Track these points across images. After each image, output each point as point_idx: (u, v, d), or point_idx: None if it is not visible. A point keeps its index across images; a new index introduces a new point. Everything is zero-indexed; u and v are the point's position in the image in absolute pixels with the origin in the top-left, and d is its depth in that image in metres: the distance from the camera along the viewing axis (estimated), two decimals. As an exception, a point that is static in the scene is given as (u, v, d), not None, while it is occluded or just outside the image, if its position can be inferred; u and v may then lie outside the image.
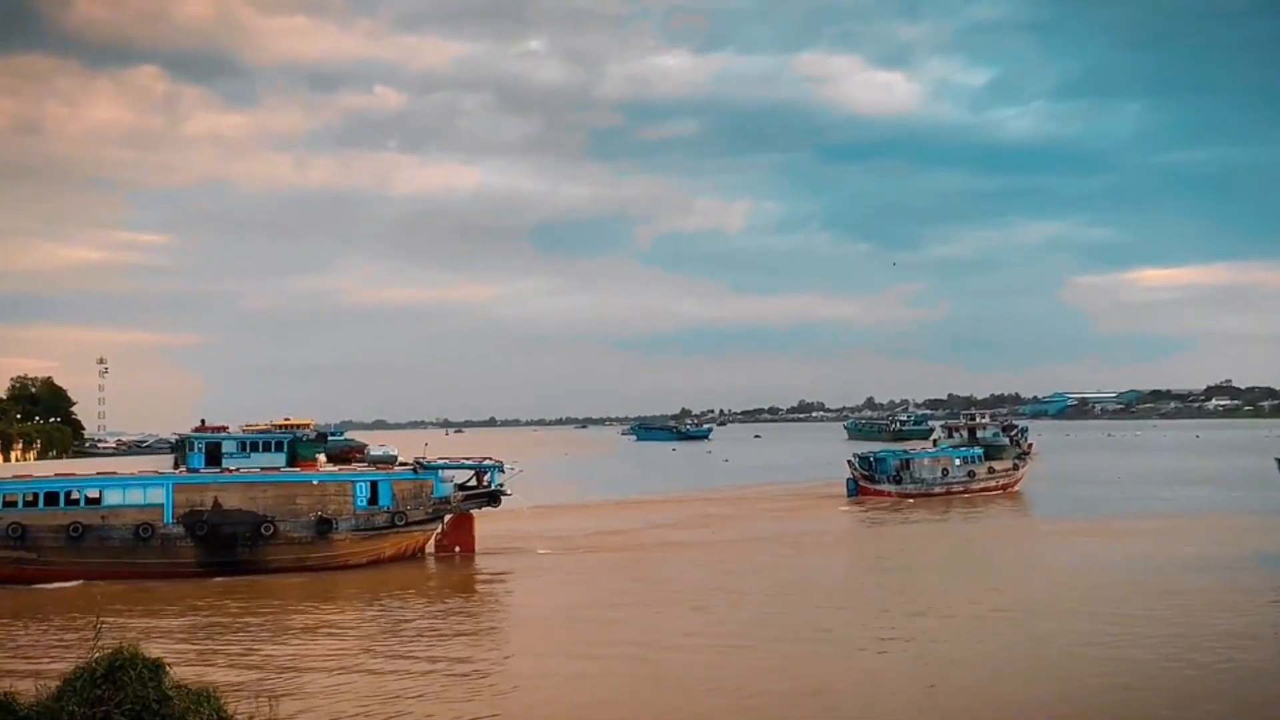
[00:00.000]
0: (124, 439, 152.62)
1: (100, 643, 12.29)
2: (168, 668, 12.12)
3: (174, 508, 35.73)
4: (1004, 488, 64.14)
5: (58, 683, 12.06)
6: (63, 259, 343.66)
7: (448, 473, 40.72)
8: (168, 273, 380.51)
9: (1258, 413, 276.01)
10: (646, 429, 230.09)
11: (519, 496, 42.45)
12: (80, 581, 33.32)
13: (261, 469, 39.07)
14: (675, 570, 36.50)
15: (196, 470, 39.57)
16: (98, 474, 39.92)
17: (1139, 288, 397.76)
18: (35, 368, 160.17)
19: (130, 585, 32.69)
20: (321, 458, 42.12)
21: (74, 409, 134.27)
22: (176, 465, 40.20)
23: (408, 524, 38.25)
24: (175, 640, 24.96)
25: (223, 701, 12.23)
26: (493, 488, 40.65)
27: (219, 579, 34.40)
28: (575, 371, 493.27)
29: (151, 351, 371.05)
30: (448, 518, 40.11)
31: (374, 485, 38.37)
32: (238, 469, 39.11)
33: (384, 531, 37.70)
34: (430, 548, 39.88)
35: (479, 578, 36.42)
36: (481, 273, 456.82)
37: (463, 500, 40.11)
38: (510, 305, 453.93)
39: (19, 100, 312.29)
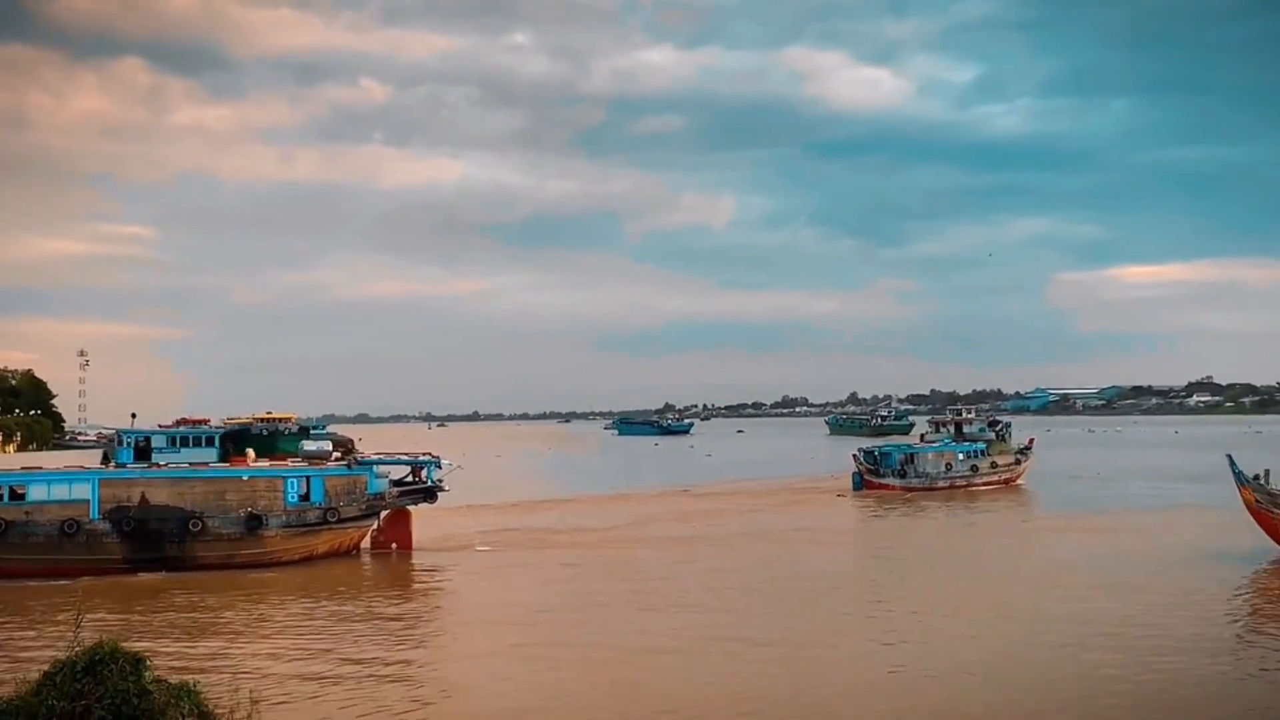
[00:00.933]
0: (104, 432, 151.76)
1: (80, 637, 12.34)
2: (148, 662, 12.16)
3: (100, 503, 35.03)
4: (1006, 482, 64.92)
5: (37, 677, 12.11)
6: (45, 251, 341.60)
7: (384, 468, 40.17)
8: (151, 266, 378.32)
9: (1239, 409, 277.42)
10: (628, 424, 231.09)
11: (456, 493, 41.85)
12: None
13: (190, 464, 38.24)
14: (630, 567, 36.11)
15: (124, 465, 38.39)
16: (22, 469, 38.93)
17: (1122, 285, 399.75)
18: (16, 360, 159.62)
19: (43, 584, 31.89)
20: (251, 453, 41.35)
21: (54, 401, 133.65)
22: (106, 461, 39.35)
23: (340, 520, 37.65)
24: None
25: (203, 696, 12.26)
26: (430, 484, 40.06)
27: (144, 575, 33.74)
28: (560, 366, 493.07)
29: (134, 345, 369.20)
30: (384, 514, 39.51)
31: (306, 481, 37.78)
32: (167, 464, 38.18)
33: (316, 528, 37.14)
34: (366, 544, 39.32)
35: (413, 576, 35.94)
36: (466, 267, 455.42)
37: (398, 496, 39.53)
38: (495, 300, 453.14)
39: (2, 91, 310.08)
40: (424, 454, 42.72)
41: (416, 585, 34.54)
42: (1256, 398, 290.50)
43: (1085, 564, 34.93)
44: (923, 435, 70.47)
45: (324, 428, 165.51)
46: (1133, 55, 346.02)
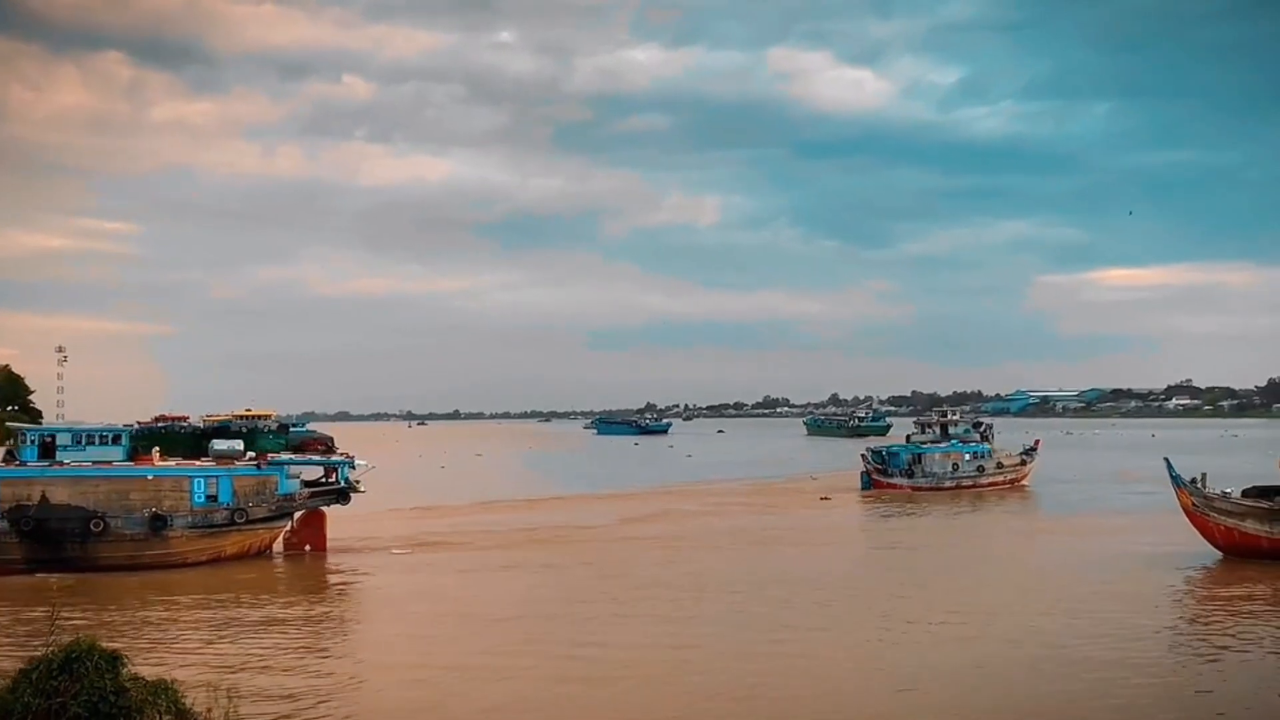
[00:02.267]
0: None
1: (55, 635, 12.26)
2: (125, 660, 12.10)
3: None
4: (1012, 483, 65.45)
5: (13, 674, 12.02)
6: (24, 245, 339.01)
7: (296, 469, 39.66)
8: (131, 261, 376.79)
9: (1217, 412, 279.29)
10: (607, 424, 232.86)
11: (380, 497, 41.28)
12: None
13: (94, 463, 37.11)
14: (562, 567, 36.05)
15: (26, 464, 37.08)
16: None
17: (1103, 287, 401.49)
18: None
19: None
20: (157, 451, 40.79)
21: (32, 398, 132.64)
22: (10, 459, 38.22)
23: (249, 521, 36.97)
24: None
25: (179, 693, 12.20)
26: (343, 485, 39.46)
27: (40, 576, 32.77)
28: (541, 365, 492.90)
29: (114, 340, 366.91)
30: (298, 515, 38.91)
31: (213, 481, 36.98)
32: (70, 463, 37.02)
33: (224, 529, 36.43)
34: (279, 546, 38.76)
35: (319, 579, 35.32)
36: (448, 265, 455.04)
37: (309, 497, 38.88)
38: (477, 298, 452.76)
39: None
40: (344, 454, 42.12)
41: (316, 589, 33.58)
42: (1235, 401, 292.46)
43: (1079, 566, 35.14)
44: (909, 436, 71.17)
45: (304, 425, 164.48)
46: (1114, 59, 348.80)
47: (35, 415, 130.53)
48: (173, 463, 39.62)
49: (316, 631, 26.54)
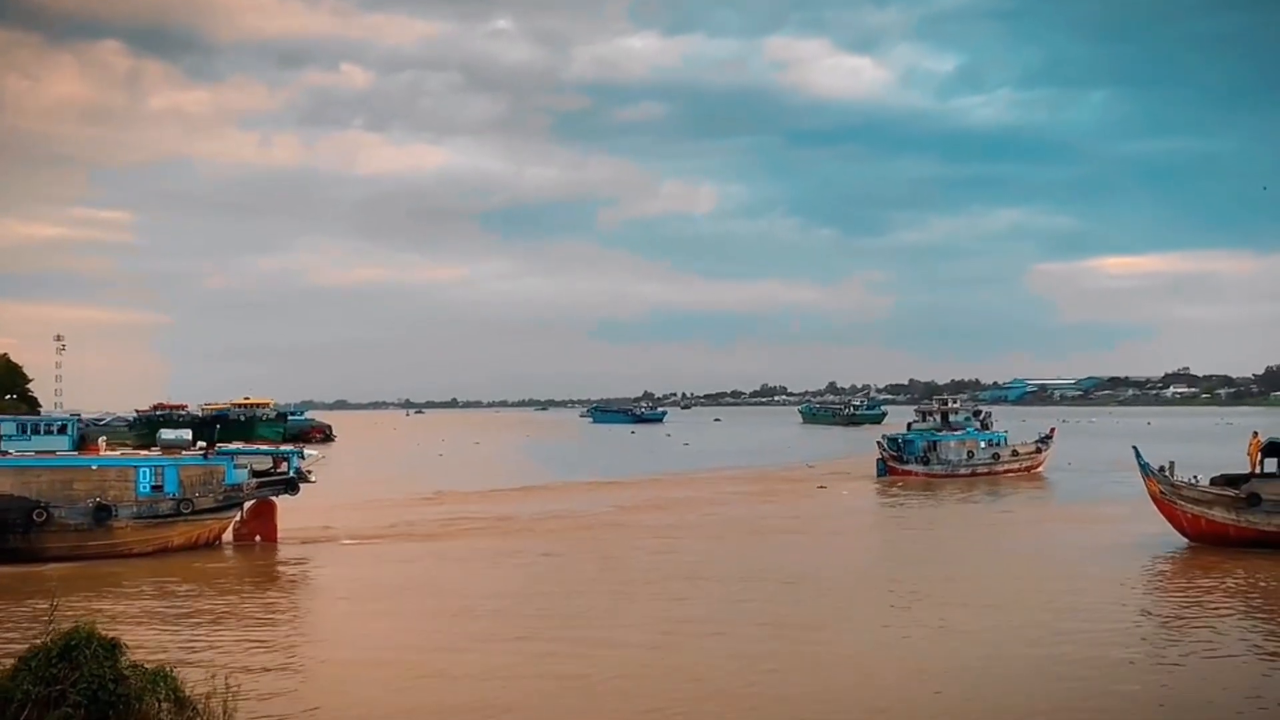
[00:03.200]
0: (81, 417, 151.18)
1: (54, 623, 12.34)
2: (124, 647, 12.17)
3: None
4: (1028, 470, 65.67)
5: (12, 661, 12.10)
6: (21, 235, 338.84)
7: (245, 458, 39.10)
8: (129, 250, 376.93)
9: (1214, 400, 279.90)
10: (603, 412, 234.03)
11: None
12: None
13: (37, 453, 36.35)
14: (513, 559, 35.61)
15: None
16: None
17: (1100, 275, 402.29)
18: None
19: None
20: (102, 441, 40.40)
21: (30, 386, 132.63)
22: None
23: (195, 511, 36.46)
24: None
25: (179, 682, 12.29)
26: (292, 475, 38.83)
27: None
28: (538, 353, 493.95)
29: (112, 330, 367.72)
30: (248, 505, 38.42)
31: (158, 471, 36.30)
32: (14, 452, 36.14)
33: (170, 519, 35.92)
34: (229, 536, 38.34)
35: (265, 568, 34.70)
36: (446, 254, 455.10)
37: (257, 488, 38.35)
38: (474, 286, 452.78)
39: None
40: (309, 438, 41.76)
41: (262, 580, 32.97)
42: (1232, 389, 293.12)
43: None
44: (909, 424, 71.55)
45: (302, 413, 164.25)
46: (1109, 46, 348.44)
47: (34, 405, 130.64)
48: (118, 452, 39.05)
49: (262, 622, 26.15)
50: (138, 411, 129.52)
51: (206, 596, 29.31)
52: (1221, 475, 35.92)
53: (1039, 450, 67.94)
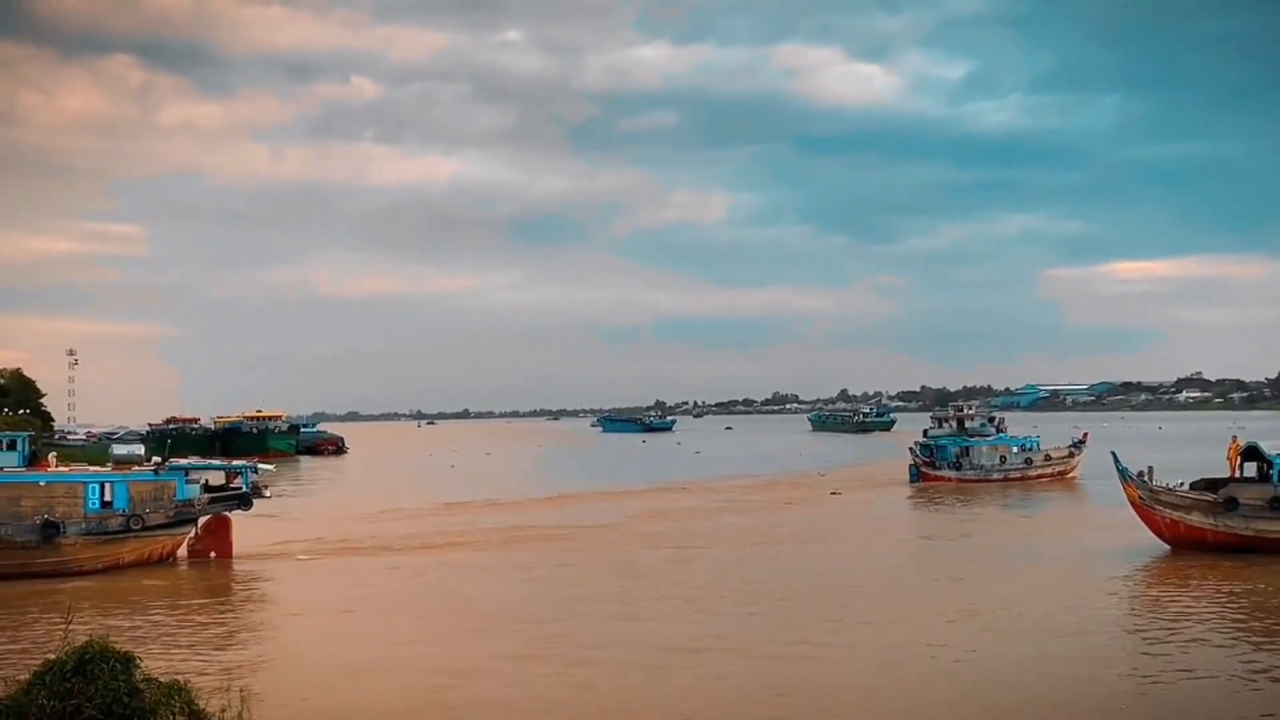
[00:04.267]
0: (94, 431, 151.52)
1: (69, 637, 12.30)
2: (138, 661, 12.15)
3: None
4: (1061, 475, 65.63)
5: (27, 676, 12.08)
6: (34, 249, 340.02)
7: (198, 473, 38.88)
8: (141, 264, 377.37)
9: (1227, 405, 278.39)
10: (612, 421, 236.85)
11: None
12: None
13: None
14: (469, 570, 35.29)
15: None
16: None
17: (1111, 280, 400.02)
18: (5, 359, 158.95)
19: None
20: (53, 456, 40.18)
21: (43, 401, 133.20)
22: None
23: (146, 528, 35.89)
24: None
25: (194, 695, 12.25)
26: (245, 489, 38.49)
27: None
28: (550, 363, 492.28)
29: (125, 343, 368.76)
30: (202, 521, 38.02)
31: (108, 487, 35.78)
32: None
33: (120, 536, 35.36)
34: (184, 553, 37.87)
35: (225, 584, 34.31)
36: (456, 264, 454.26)
37: (209, 503, 37.90)
38: (485, 297, 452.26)
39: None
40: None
41: (214, 596, 32.54)
42: (1245, 394, 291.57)
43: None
44: (925, 431, 71.92)
45: (314, 425, 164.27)
46: (1121, 50, 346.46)
47: (47, 419, 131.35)
48: (66, 469, 38.38)
49: (214, 639, 25.90)
50: (151, 425, 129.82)
51: (151, 613, 28.95)
52: (1202, 480, 36.02)
53: (1072, 455, 67.91)
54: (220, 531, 38.20)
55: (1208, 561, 32.81)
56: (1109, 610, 27.47)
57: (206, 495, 37.94)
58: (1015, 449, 65.94)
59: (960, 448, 65.44)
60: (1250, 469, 35.73)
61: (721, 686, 20.16)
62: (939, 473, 64.15)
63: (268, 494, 39.50)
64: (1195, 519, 34.55)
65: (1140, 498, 35.78)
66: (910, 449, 68.03)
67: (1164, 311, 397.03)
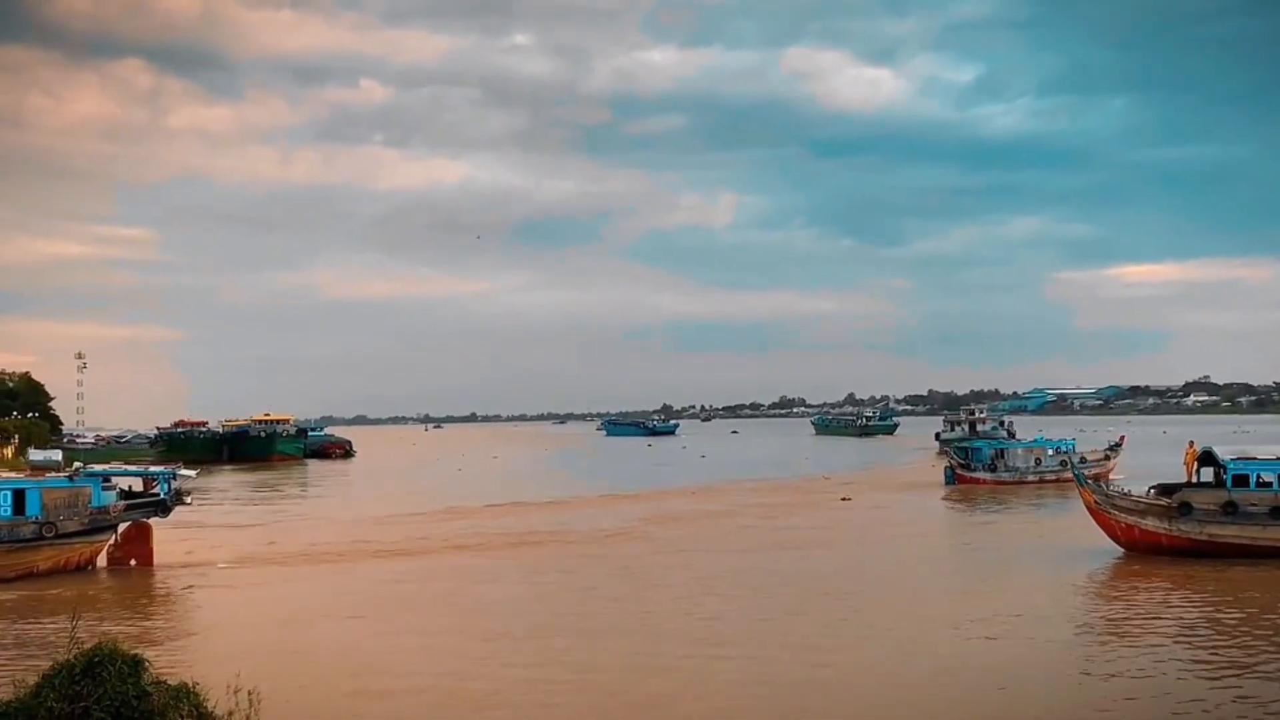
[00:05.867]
0: (103, 434, 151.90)
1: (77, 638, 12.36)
2: (147, 663, 12.20)
3: None
4: (1096, 478, 65.43)
5: (35, 679, 12.13)
6: (42, 253, 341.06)
7: (117, 479, 38.42)
8: (149, 267, 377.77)
9: (1235, 408, 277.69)
10: (616, 425, 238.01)
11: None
12: None
13: None
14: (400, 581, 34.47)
15: None
16: None
17: (1119, 284, 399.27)
18: (13, 362, 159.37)
19: None
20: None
21: (52, 404, 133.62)
22: None
23: (60, 535, 35.19)
24: None
25: (202, 698, 12.30)
26: (162, 496, 37.72)
27: None
28: (557, 367, 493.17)
29: (133, 346, 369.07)
30: (121, 528, 37.33)
31: (18, 494, 35.15)
32: None
33: (34, 544, 34.70)
34: (103, 561, 37.14)
35: (145, 593, 33.38)
36: (464, 267, 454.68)
37: (124, 510, 37.20)
38: (493, 300, 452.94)
39: (0, 92, 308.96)
40: (160, 465, 40.60)
41: (132, 604, 31.61)
42: (1253, 397, 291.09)
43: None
44: (937, 434, 72.74)
45: (322, 429, 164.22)
46: (1129, 54, 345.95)
47: (55, 422, 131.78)
48: None
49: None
50: (159, 428, 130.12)
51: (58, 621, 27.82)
52: (1159, 484, 36.26)
53: (1108, 458, 67.97)
54: (141, 539, 37.41)
55: (1159, 564, 33.05)
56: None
57: (122, 502, 37.22)
58: (1051, 451, 66.23)
59: (996, 450, 66.09)
60: (1207, 474, 36.02)
61: (732, 691, 20.16)
62: (974, 475, 64.43)
63: (189, 500, 38.72)
64: (1150, 524, 34.66)
65: (1096, 502, 36.03)
66: (945, 451, 69.11)
67: (1172, 315, 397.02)
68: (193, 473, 41.51)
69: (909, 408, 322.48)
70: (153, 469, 40.99)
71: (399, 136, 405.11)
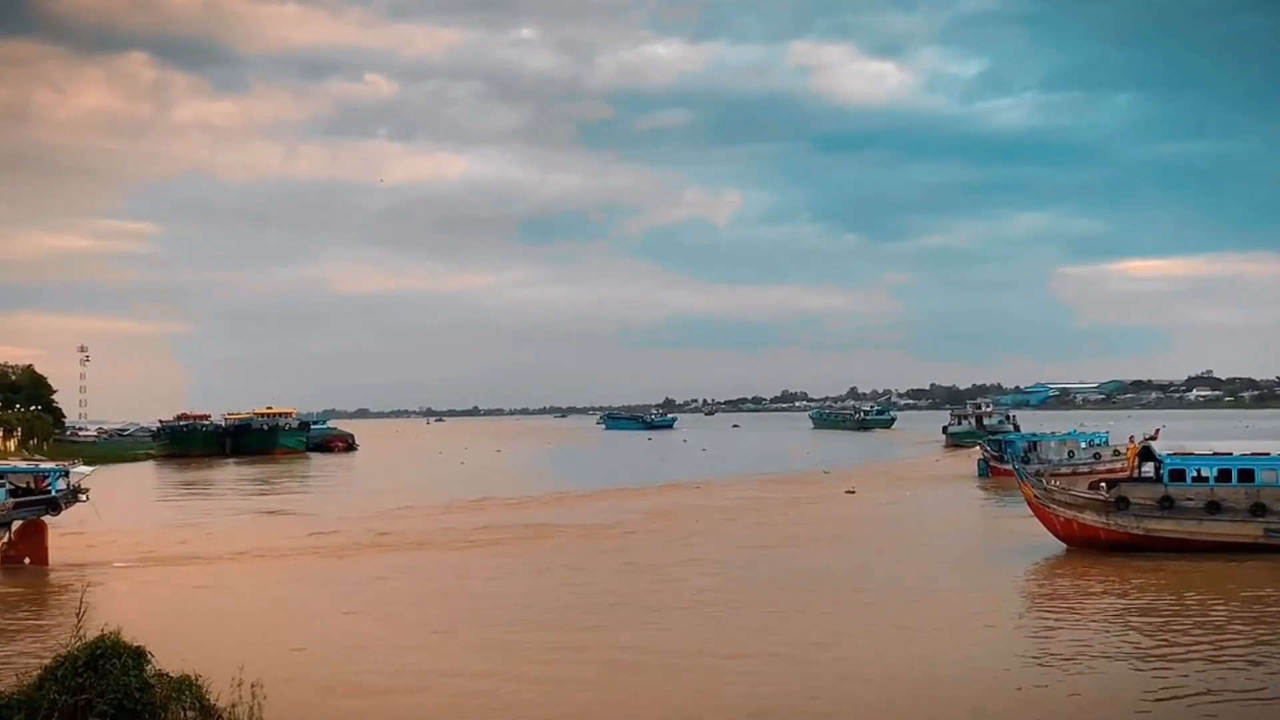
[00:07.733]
0: (106, 427, 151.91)
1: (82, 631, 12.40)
2: (150, 656, 12.23)
3: None
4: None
5: (39, 671, 12.17)
6: (47, 247, 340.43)
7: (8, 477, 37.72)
8: (154, 261, 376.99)
9: (1238, 403, 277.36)
10: (615, 419, 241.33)
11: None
12: None
13: None
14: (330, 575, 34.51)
15: None
16: None
17: (1123, 279, 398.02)
18: (17, 356, 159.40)
19: None
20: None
21: (55, 397, 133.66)
22: None
23: None
24: None
25: (204, 690, 12.33)
26: (54, 494, 37.37)
27: None
28: (560, 361, 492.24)
29: (136, 340, 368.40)
30: (15, 527, 36.76)
31: None
32: None
33: None
34: None
35: (41, 591, 33.03)
36: (468, 262, 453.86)
37: (14, 508, 36.67)
38: (496, 295, 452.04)
39: (6, 87, 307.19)
40: (56, 463, 40.11)
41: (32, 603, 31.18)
42: (1256, 392, 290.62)
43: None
44: (944, 427, 73.29)
45: (325, 422, 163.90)
46: (1134, 49, 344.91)
47: (58, 415, 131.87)
48: None
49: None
50: (161, 421, 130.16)
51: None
52: (1105, 480, 36.73)
53: None
54: (35, 536, 36.92)
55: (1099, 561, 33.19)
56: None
57: (11, 500, 36.65)
58: (1084, 444, 67.60)
59: (1029, 443, 66.74)
60: (1148, 469, 36.17)
61: (737, 690, 20.14)
62: (1007, 467, 64.27)
63: (84, 498, 38.11)
64: (1088, 518, 34.88)
65: (1036, 497, 36.22)
66: (980, 444, 71.01)
67: (1175, 310, 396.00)
68: (89, 469, 40.78)
69: (911, 402, 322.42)
70: (43, 465, 40.40)
71: (404, 131, 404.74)
